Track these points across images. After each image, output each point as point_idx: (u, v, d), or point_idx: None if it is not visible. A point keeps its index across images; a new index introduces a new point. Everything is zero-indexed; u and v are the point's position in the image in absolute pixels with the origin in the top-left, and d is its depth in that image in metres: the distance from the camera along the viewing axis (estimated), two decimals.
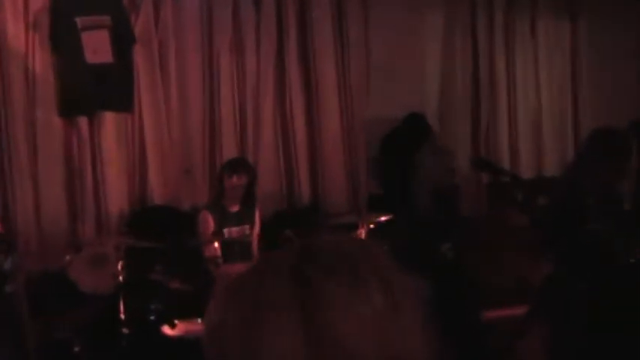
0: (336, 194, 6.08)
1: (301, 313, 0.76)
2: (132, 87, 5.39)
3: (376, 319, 0.77)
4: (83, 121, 5.27)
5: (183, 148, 5.64)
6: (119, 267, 4.13)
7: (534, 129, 6.97)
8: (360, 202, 6.12)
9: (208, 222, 4.64)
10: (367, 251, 0.84)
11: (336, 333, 0.75)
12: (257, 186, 4.96)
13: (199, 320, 4.01)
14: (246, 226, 4.79)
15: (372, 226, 4.68)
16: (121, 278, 4.12)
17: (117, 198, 5.39)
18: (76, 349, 4.07)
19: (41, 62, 5.13)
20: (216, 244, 4.40)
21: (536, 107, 6.98)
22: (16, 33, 5.06)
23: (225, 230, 4.67)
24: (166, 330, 3.99)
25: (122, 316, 4.08)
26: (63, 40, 5.13)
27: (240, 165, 4.82)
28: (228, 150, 5.68)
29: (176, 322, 3.98)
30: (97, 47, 5.19)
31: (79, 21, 5.14)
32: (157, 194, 5.53)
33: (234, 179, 4.66)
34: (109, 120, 5.37)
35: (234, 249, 4.62)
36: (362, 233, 4.59)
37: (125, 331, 4.07)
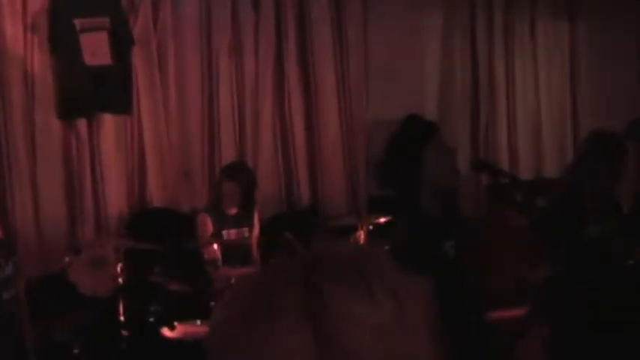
0: (335, 196, 6.07)
1: (312, 322, 0.76)
2: (131, 89, 5.38)
3: (386, 327, 0.78)
4: (82, 123, 5.26)
5: (182, 150, 5.64)
6: (118, 269, 4.14)
7: (533, 130, 6.96)
8: (359, 203, 6.11)
9: (207, 224, 4.64)
10: (375, 260, 0.85)
11: (345, 342, 0.76)
12: (256, 189, 4.96)
13: (199, 322, 4.02)
14: (245, 229, 4.79)
15: (371, 227, 4.68)
16: (120, 280, 4.13)
17: (116, 200, 5.39)
18: (76, 350, 4.08)
19: (40, 64, 5.12)
20: (215, 247, 4.40)
21: (535, 108, 6.97)
22: (14, 35, 5.05)
23: (224, 233, 4.67)
24: (166, 332, 3.99)
25: (121, 318, 4.09)
26: (62, 41, 5.13)
27: (237, 171, 4.82)
28: (227, 152, 5.68)
29: (175, 324, 3.98)
30: (95, 49, 5.19)
31: (78, 23, 5.14)
32: (156, 196, 5.53)
33: (231, 185, 4.67)
34: (108, 122, 5.36)
35: (233, 251, 4.62)
36: (361, 235, 4.59)
37: (124, 333, 4.08)
